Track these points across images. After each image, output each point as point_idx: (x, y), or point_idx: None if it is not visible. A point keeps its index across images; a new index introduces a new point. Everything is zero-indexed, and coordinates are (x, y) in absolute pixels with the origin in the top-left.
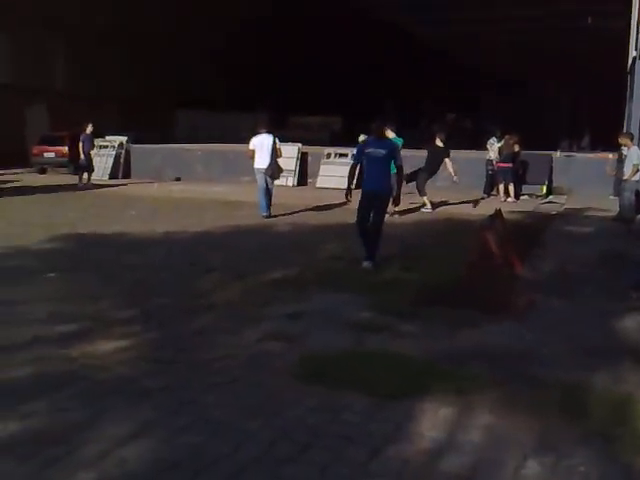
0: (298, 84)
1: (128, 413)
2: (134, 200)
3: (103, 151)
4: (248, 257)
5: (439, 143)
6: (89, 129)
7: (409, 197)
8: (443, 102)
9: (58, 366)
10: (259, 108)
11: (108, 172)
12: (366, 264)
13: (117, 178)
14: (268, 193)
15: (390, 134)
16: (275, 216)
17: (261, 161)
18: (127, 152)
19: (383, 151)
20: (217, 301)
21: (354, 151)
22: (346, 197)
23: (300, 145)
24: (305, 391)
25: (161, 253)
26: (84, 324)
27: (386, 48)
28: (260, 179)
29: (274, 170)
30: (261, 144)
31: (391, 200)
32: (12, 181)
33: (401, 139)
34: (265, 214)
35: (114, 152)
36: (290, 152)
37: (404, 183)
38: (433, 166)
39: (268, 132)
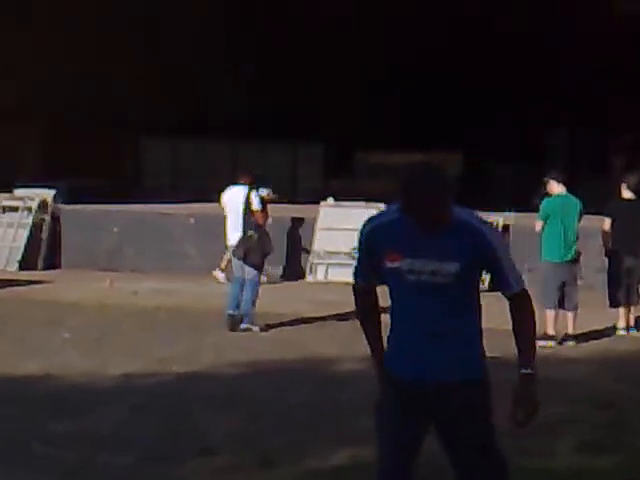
0: (377, 99)
1: None
2: (67, 311)
3: (8, 217)
4: (277, 421)
5: (629, 194)
6: None
7: (588, 308)
8: None
9: None
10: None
11: (18, 258)
12: None
13: (35, 269)
14: (246, 287)
15: (556, 188)
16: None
17: (230, 233)
18: (54, 219)
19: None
20: None
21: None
22: None
23: (382, 207)
24: None
25: (116, 417)
26: None
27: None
28: (234, 264)
29: (248, 248)
30: (232, 203)
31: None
32: None
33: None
34: (229, 314)
35: (29, 220)
36: (363, 220)
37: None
38: (623, 239)
39: (249, 182)
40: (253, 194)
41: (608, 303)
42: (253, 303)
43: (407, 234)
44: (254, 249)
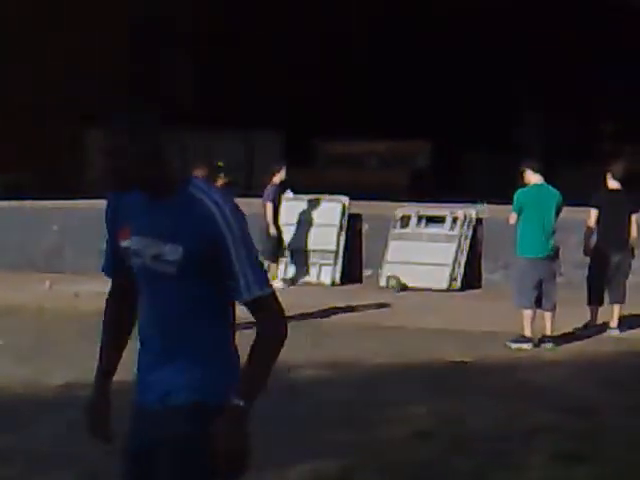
0: (338, 84)
1: None
2: (2, 316)
3: None
4: None
5: (614, 184)
6: None
7: (567, 307)
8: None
9: None
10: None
11: None
12: None
13: None
14: None
15: (532, 178)
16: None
17: None
18: None
19: None
20: None
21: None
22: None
23: (346, 201)
24: None
25: (55, 430)
26: None
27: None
28: None
29: None
30: None
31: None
32: None
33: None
34: None
35: None
36: (325, 214)
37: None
38: (610, 232)
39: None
40: None
41: (587, 300)
42: None
43: (137, 204)
44: None
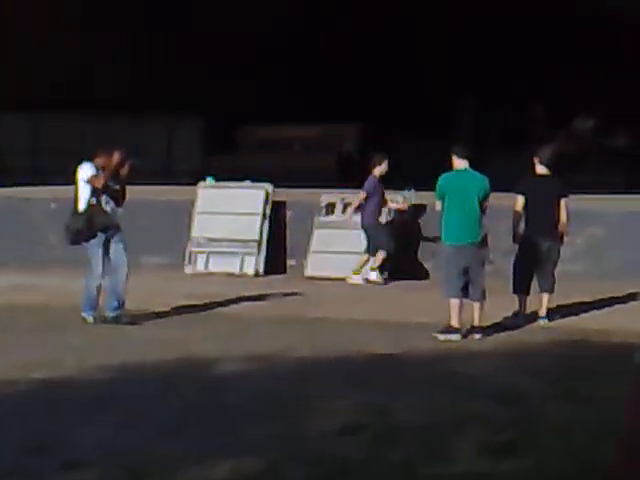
0: (264, 64)
1: None
2: None
3: None
4: (152, 430)
5: (542, 169)
6: None
7: (497, 296)
8: (572, 97)
9: None
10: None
11: None
12: None
13: None
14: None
15: (458, 163)
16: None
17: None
18: None
19: None
20: None
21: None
22: None
23: (269, 187)
24: None
25: None
26: None
27: None
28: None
29: (79, 227)
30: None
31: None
32: None
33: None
34: (86, 316)
35: None
36: (247, 202)
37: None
38: (538, 218)
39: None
40: (85, 166)
41: (512, 289)
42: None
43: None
44: (81, 225)
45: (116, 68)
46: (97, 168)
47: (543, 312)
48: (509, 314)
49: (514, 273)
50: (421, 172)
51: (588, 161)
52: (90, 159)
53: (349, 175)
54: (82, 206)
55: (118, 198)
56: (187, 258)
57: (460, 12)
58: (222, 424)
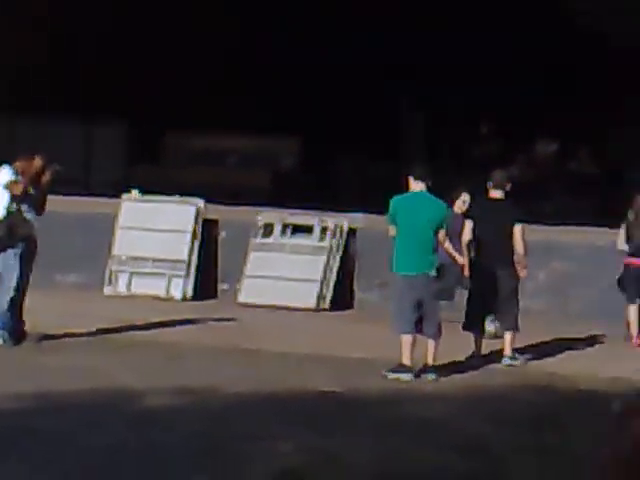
0: (198, 65)
1: None
2: None
3: None
4: (70, 469)
5: (495, 193)
6: None
7: (454, 332)
8: (534, 116)
9: None
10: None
11: None
12: None
13: None
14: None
15: (413, 186)
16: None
17: None
18: None
19: None
20: None
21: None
22: None
23: (201, 203)
24: None
25: None
26: None
27: None
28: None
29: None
30: None
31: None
32: None
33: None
34: None
35: None
36: (176, 219)
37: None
38: (488, 246)
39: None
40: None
41: (462, 325)
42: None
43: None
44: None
45: (37, 71)
46: (17, 173)
47: (507, 352)
48: (468, 353)
49: (466, 308)
50: (367, 193)
51: (551, 186)
52: (9, 162)
53: (287, 193)
54: (0, 213)
55: (37, 207)
56: (107, 278)
57: (405, 24)
58: (147, 464)
